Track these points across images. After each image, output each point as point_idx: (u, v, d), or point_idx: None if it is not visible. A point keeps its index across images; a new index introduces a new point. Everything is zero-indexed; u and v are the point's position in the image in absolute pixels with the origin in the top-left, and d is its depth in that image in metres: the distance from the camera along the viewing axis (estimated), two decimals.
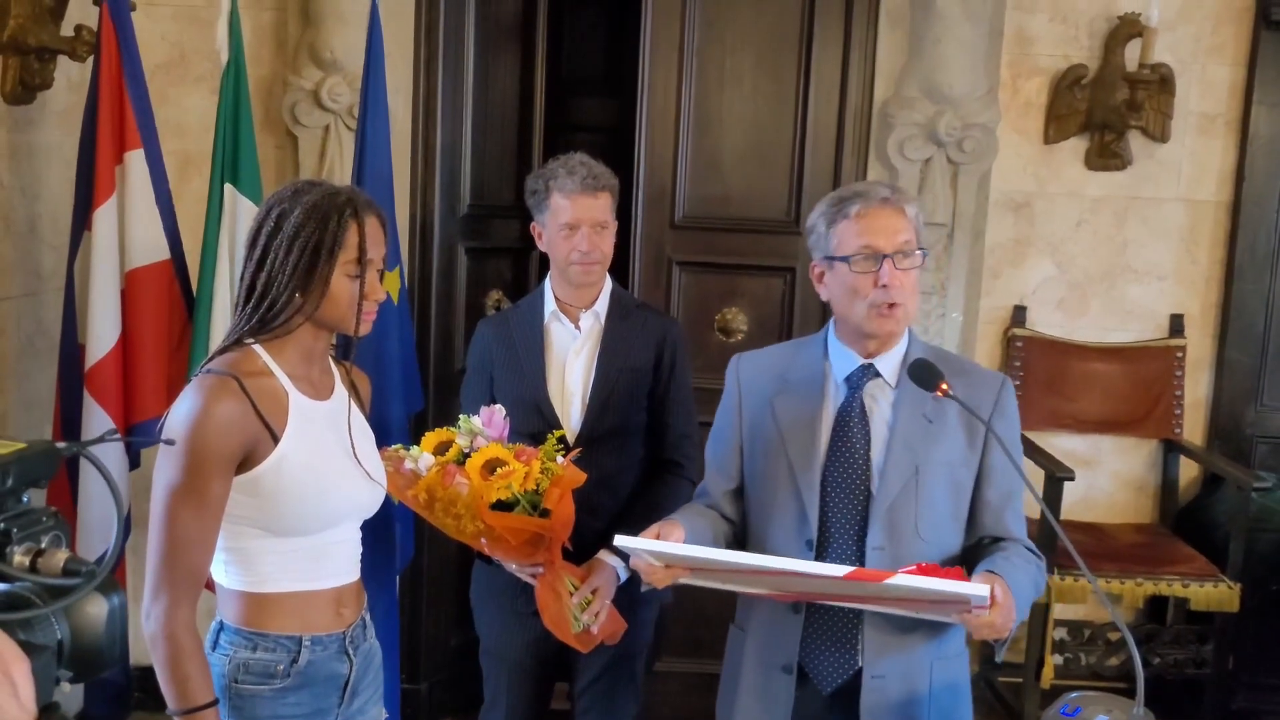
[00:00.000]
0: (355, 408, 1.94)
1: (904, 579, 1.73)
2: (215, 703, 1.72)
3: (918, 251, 1.94)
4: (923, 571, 1.77)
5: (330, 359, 1.96)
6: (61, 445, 0.91)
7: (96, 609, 0.87)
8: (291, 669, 1.82)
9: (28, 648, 0.79)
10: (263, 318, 1.81)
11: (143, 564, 1.74)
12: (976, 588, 1.72)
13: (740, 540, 2.09)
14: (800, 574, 1.79)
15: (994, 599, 1.74)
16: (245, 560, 1.81)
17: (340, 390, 1.94)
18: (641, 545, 1.83)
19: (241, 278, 1.84)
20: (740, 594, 2.07)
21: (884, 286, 1.91)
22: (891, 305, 1.92)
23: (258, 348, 1.81)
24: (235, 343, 1.82)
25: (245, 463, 1.75)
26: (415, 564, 3.38)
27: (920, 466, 1.94)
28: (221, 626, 1.84)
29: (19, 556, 0.82)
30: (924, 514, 1.95)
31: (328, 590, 1.87)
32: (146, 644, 1.71)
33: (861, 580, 1.76)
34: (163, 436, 1.73)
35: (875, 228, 1.91)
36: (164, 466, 1.71)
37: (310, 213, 1.78)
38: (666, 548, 1.83)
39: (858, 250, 1.92)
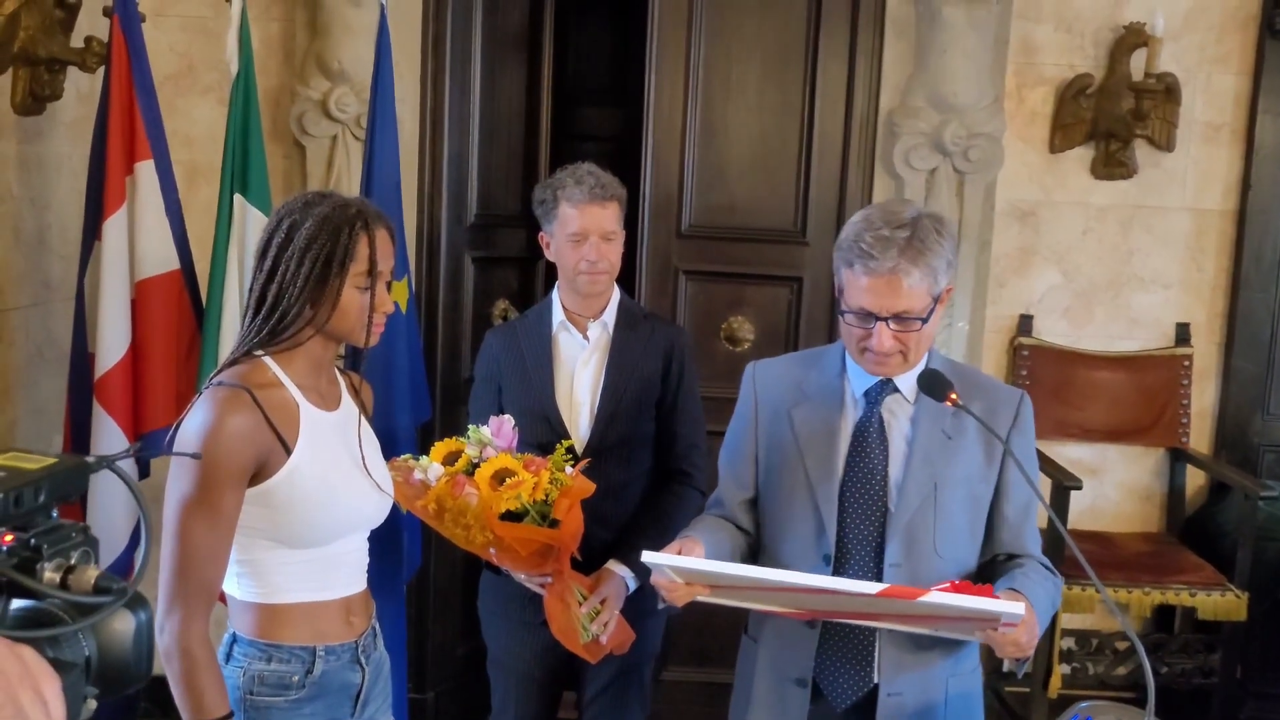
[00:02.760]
0: (363, 418, 1.95)
1: (938, 596, 1.70)
2: (231, 715, 1.73)
3: (916, 320, 1.87)
4: (955, 589, 1.74)
5: (336, 369, 1.97)
6: (91, 460, 0.91)
7: (124, 625, 0.87)
8: (306, 679, 1.82)
9: (57, 665, 0.78)
10: (273, 329, 1.81)
11: (152, 576, 1.74)
12: (1010, 605, 1.70)
13: (755, 551, 2.08)
14: (830, 591, 1.76)
15: None
16: (258, 572, 1.81)
17: (348, 400, 1.94)
18: (668, 561, 1.78)
19: (251, 289, 1.85)
20: (755, 610, 2.05)
21: (874, 347, 1.88)
22: (884, 357, 1.90)
23: (268, 359, 1.82)
24: (245, 354, 1.82)
25: (258, 475, 1.76)
26: (422, 574, 3.38)
27: (939, 482, 1.93)
28: (235, 639, 1.84)
29: (49, 573, 0.82)
30: (942, 530, 1.93)
31: (337, 600, 1.88)
32: (160, 657, 1.71)
33: (895, 598, 1.73)
34: (174, 449, 1.73)
35: (875, 291, 1.85)
36: (177, 479, 1.71)
37: (321, 225, 1.78)
38: (696, 564, 1.79)
39: (854, 308, 1.89)
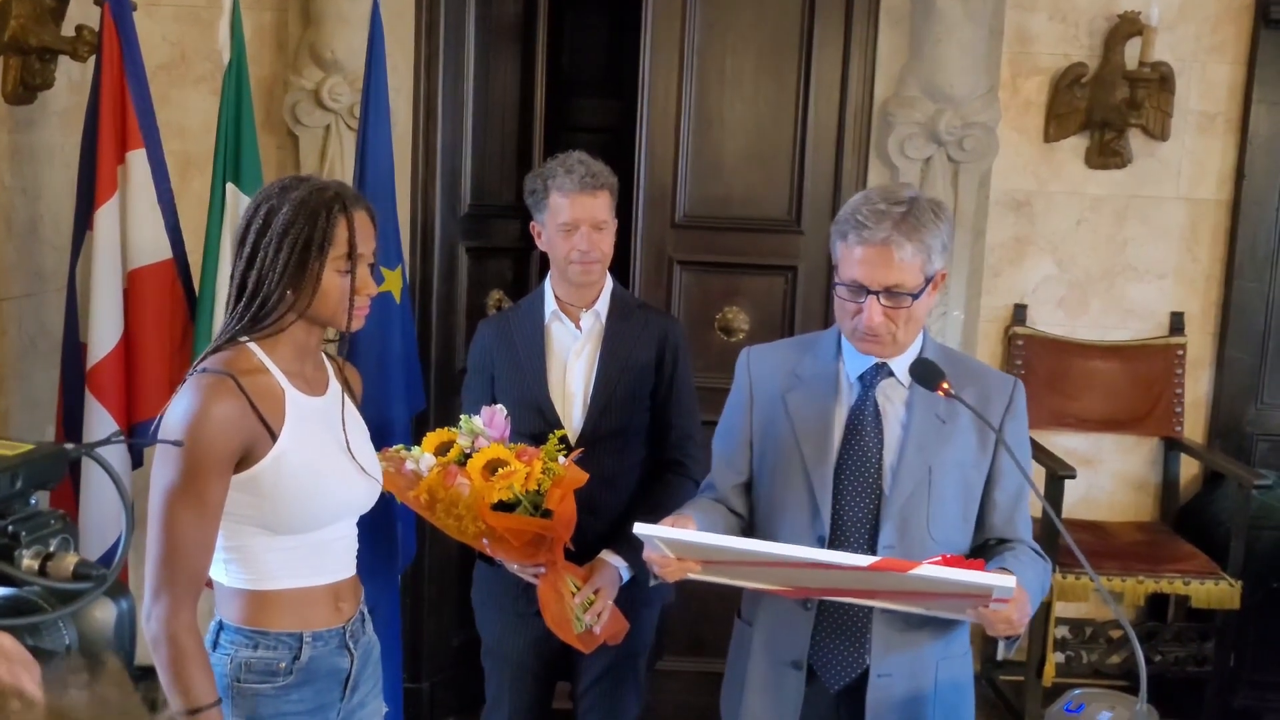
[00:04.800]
0: (349, 402, 1.94)
1: (930, 569, 1.71)
2: (219, 702, 1.72)
3: (907, 297, 1.88)
4: (947, 563, 1.75)
5: (323, 354, 1.96)
6: (70, 447, 0.90)
7: (104, 613, 0.87)
8: (294, 666, 1.82)
9: (36, 653, 0.78)
10: (255, 315, 1.80)
11: (143, 564, 1.74)
12: (1002, 578, 1.70)
13: (747, 534, 2.08)
14: (823, 564, 1.77)
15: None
16: (246, 559, 1.81)
17: (334, 385, 1.94)
18: (661, 533, 1.79)
19: (232, 276, 1.84)
20: (747, 588, 2.06)
21: (864, 323, 1.89)
22: (874, 333, 1.91)
23: (252, 345, 1.81)
24: (228, 341, 1.82)
25: (244, 461, 1.75)
26: (417, 563, 3.38)
27: (933, 467, 1.94)
28: (221, 626, 1.84)
29: (28, 560, 0.82)
30: (935, 514, 1.95)
31: (326, 586, 1.87)
32: (148, 646, 1.71)
33: (887, 571, 1.73)
34: (159, 436, 1.72)
35: (867, 263, 1.86)
36: (162, 467, 1.70)
37: (299, 209, 1.78)
38: (688, 535, 1.79)
39: (846, 280, 1.90)
